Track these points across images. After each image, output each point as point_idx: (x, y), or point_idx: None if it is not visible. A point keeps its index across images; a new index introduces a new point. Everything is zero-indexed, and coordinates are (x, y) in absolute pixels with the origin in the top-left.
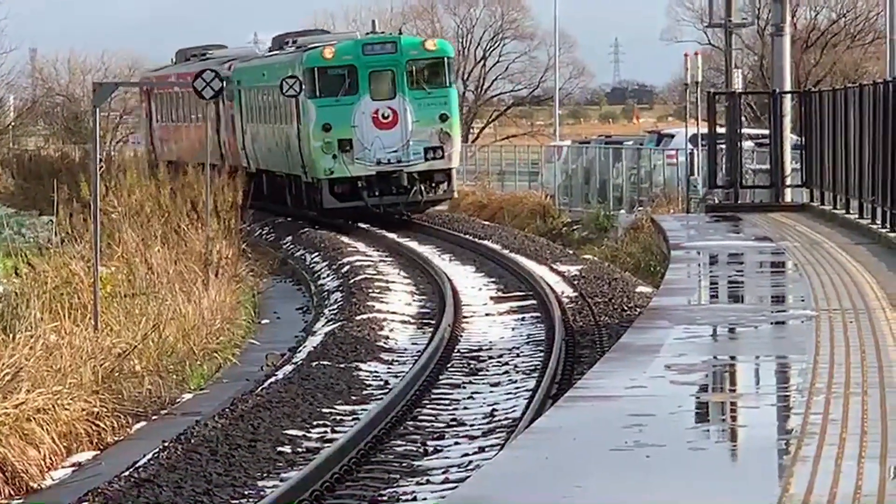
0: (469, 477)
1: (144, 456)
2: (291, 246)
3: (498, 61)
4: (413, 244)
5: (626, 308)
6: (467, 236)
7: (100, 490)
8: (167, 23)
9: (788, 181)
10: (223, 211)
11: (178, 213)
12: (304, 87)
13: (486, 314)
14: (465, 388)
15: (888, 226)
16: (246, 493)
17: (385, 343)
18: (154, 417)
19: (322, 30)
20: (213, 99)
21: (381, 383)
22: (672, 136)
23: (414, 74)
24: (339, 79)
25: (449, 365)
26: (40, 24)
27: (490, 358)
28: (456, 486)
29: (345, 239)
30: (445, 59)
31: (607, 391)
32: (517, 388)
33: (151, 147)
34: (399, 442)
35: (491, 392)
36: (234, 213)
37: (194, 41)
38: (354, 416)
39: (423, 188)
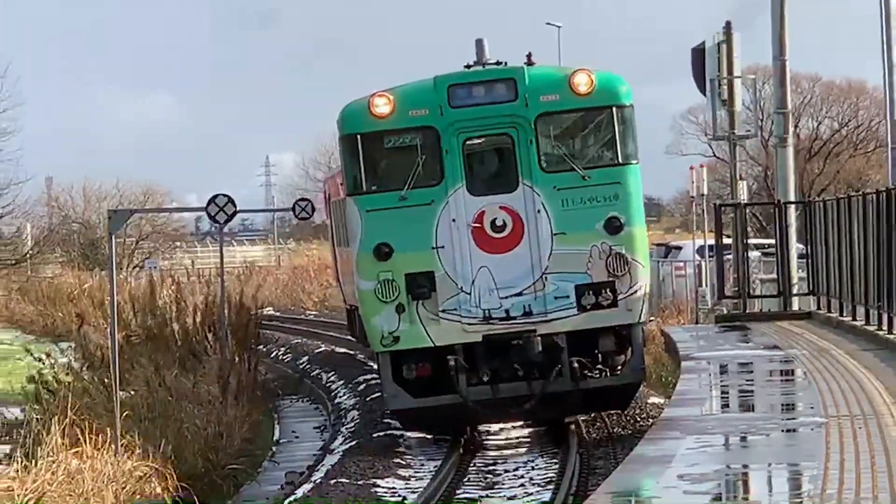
0: None
1: None
2: (307, 365)
3: None
4: None
5: (638, 419)
6: None
7: None
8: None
9: (795, 290)
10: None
11: (195, 336)
12: (343, 172)
13: (501, 428)
14: (481, 501)
15: (894, 332)
16: None
17: (402, 459)
18: None
19: None
20: (226, 224)
21: (399, 500)
22: (680, 248)
23: (553, 141)
24: (404, 155)
25: (465, 479)
26: (54, 150)
27: (506, 471)
28: None
29: (360, 357)
30: (613, 109)
31: (622, 502)
32: (533, 500)
33: (338, 282)
34: None
35: None
36: (250, 335)
37: (207, 163)
38: None
39: (577, 365)
